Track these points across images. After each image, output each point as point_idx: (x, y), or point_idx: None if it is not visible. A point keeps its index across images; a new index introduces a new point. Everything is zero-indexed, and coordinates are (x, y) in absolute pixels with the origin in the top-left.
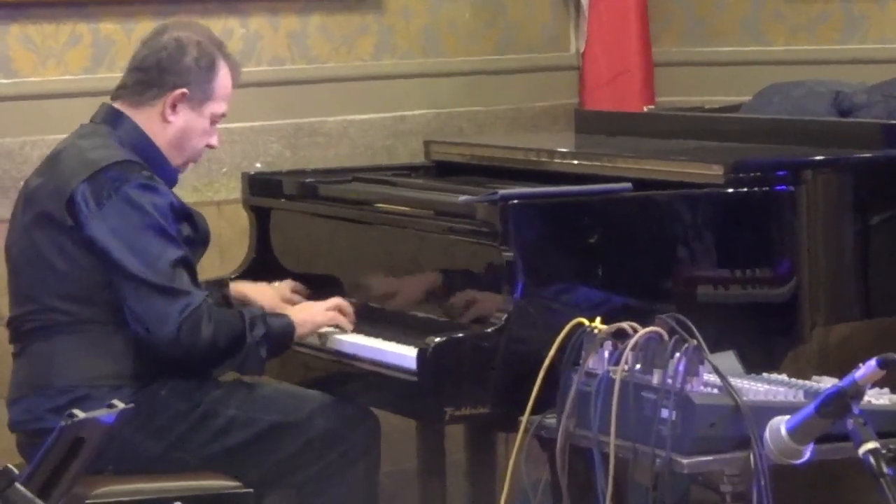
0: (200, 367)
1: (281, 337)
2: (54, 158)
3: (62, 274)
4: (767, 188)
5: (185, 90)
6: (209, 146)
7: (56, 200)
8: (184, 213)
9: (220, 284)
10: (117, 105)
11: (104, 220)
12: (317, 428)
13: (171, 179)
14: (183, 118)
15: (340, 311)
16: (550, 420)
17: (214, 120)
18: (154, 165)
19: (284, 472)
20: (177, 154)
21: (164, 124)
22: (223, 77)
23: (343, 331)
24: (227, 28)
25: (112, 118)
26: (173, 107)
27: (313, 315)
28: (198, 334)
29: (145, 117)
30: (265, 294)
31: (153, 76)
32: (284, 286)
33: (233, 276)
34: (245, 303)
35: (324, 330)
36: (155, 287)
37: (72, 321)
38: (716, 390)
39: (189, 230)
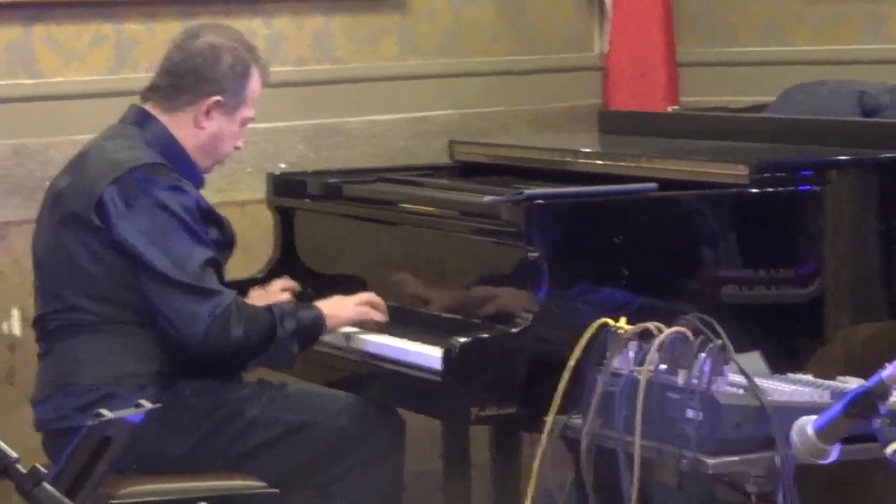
0: (232, 364)
1: (311, 330)
2: (81, 159)
3: (89, 274)
4: (792, 188)
5: (220, 98)
6: (235, 148)
7: (84, 201)
8: (211, 216)
9: None
10: (148, 107)
11: (133, 222)
12: (341, 428)
13: (198, 182)
14: (216, 124)
15: (371, 306)
16: (575, 420)
17: (244, 124)
18: (181, 168)
19: (308, 472)
20: (205, 157)
21: (196, 130)
22: (255, 82)
23: (371, 329)
24: (251, 28)
25: (141, 120)
26: (207, 113)
27: (344, 310)
28: (228, 334)
29: (177, 122)
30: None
31: (188, 82)
32: (275, 286)
33: (258, 276)
34: None
35: (349, 330)
36: (185, 287)
37: (97, 321)
38: (741, 391)
39: (216, 233)
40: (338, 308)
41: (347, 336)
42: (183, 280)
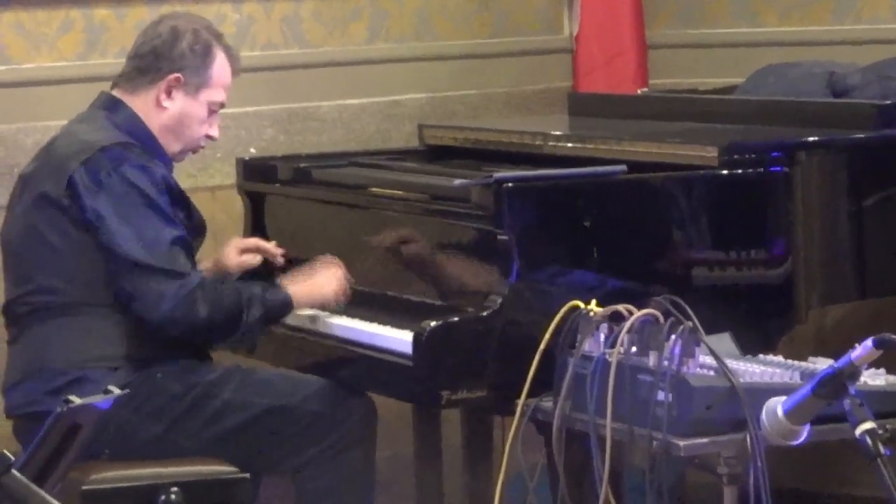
0: (197, 344)
1: (277, 311)
2: (51, 143)
3: (60, 254)
4: (762, 169)
5: (179, 75)
6: (209, 137)
7: (55, 181)
8: (181, 198)
9: None
10: (115, 93)
11: (102, 201)
12: (313, 412)
13: (167, 167)
14: (179, 104)
15: (340, 287)
16: (547, 403)
17: (213, 109)
18: (149, 151)
19: (281, 457)
20: (173, 141)
21: (159, 109)
22: (220, 65)
23: (334, 311)
24: (221, 13)
25: (109, 104)
26: (168, 92)
27: (311, 292)
28: (194, 314)
29: (141, 102)
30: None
31: (149, 62)
32: (230, 250)
33: None
34: None
35: (318, 314)
36: (151, 268)
37: (69, 302)
38: (712, 372)
39: (184, 217)
40: (306, 290)
41: (317, 320)
42: (149, 261)
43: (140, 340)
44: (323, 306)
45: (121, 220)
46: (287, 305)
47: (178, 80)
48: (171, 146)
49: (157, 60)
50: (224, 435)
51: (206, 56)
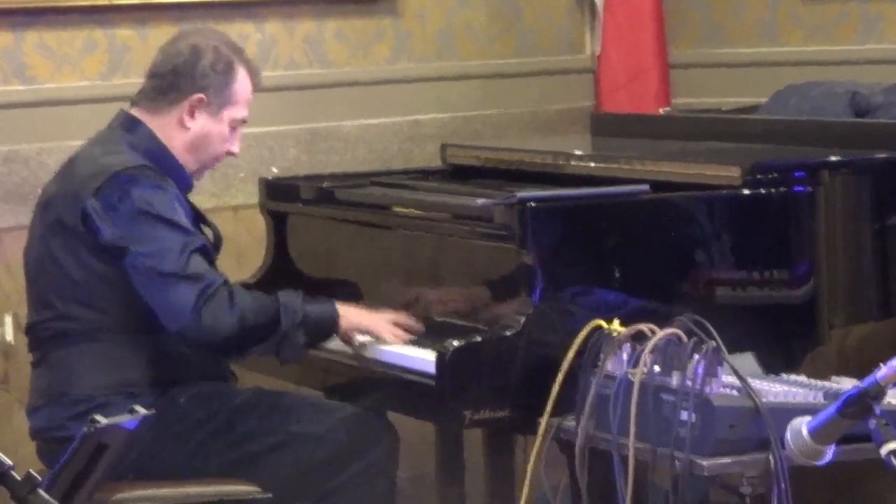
0: (231, 352)
1: (320, 323)
2: (69, 165)
3: (77, 281)
4: (785, 189)
5: (202, 95)
6: (229, 153)
7: (70, 208)
8: (195, 216)
9: None
10: (134, 112)
11: (117, 224)
12: (338, 441)
13: (187, 186)
14: (201, 124)
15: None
16: (569, 423)
17: (234, 125)
18: (168, 171)
19: (304, 484)
20: (193, 159)
21: (182, 130)
22: (242, 81)
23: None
24: (243, 33)
25: (127, 124)
26: (191, 112)
27: (362, 313)
28: (221, 318)
29: (162, 123)
30: None
31: (170, 81)
32: None
33: (250, 281)
34: None
35: (362, 338)
36: (170, 276)
37: (89, 329)
38: (735, 392)
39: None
40: (356, 312)
41: (358, 344)
42: (166, 269)
43: (162, 364)
44: (372, 330)
45: (136, 237)
46: (331, 318)
47: (200, 100)
48: (192, 164)
49: (178, 80)
50: (247, 459)
51: (227, 74)
